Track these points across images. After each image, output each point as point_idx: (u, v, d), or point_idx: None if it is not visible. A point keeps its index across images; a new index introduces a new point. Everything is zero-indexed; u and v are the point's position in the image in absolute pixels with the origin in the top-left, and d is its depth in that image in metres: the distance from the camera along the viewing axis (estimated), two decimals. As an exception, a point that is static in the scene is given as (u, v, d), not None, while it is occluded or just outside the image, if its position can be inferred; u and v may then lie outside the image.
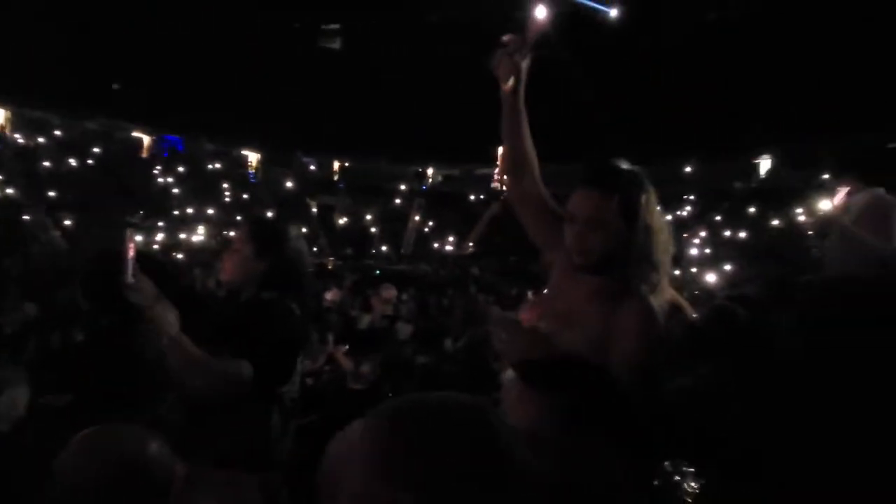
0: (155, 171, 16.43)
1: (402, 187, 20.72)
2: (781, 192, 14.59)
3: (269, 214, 16.12)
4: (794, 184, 13.68)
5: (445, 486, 0.50)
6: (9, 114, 14.99)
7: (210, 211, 14.55)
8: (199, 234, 14.96)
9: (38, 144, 14.65)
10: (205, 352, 1.52)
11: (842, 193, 2.68)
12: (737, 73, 13.48)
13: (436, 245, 18.18)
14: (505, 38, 1.47)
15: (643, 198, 1.41)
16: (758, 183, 16.62)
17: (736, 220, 14.91)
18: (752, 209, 15.33)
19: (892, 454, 1.03)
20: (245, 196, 17.94)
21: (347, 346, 4.10)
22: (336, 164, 21.25)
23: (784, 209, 13.98)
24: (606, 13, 14.73)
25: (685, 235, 15.44)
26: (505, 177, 1.62)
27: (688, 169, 17.63)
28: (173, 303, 1.85)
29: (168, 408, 1.65)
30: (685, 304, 1.97)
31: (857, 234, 2.06)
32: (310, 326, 1.82)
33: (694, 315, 1.92)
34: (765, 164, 17.24)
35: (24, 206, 12.64)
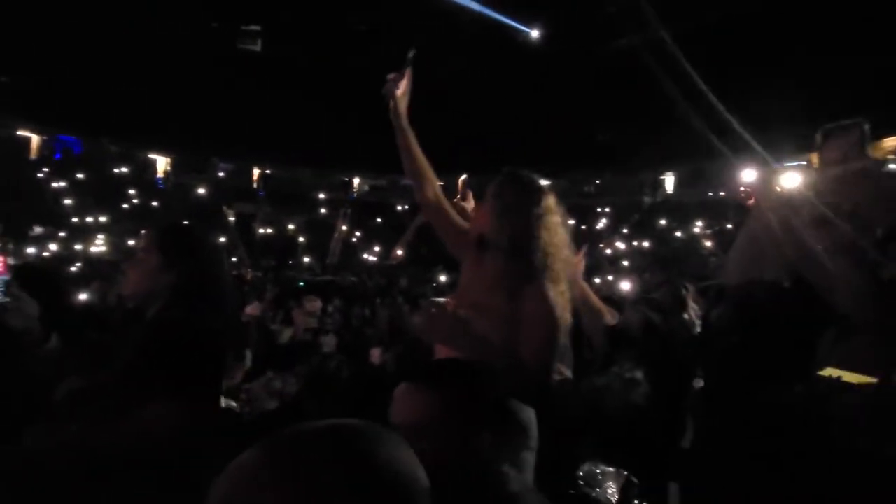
0: (44, 175, 14.81)
1: (328, 196, 20.24)
2: (683, 207, 16.00)
3: (183, 223, 15.04)
4: (694, 199, 15.08)
5: None
6: None
7: (107, 219, 13.32)
8: (99, 244, 13.62)
9: None
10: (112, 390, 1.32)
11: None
12: (647, 95, 14.62)
13: (363, 255, 17.90)
14: (389, 75, 1.68)
15: (536, 196, 1.58)
16: (663, 197, 18.09)
17: (645, 232, 16.13)
18: (660, 221, 16.66)
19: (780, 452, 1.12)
20: (154, 203, 16.66)
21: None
22: (256, 171, 20.34)
23: (685, 222, 15.32)
24: (528, 34, 15.48)
25: (601, 245, 16.46)
26: (413, 186, 1.78)
27: (598, 182, 18.87)
28: (68, 322, 1.65)
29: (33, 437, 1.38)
30: (591, 293, 2.11)
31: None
32: (230, 345, 1.59)
33: (612, 319, 2.02)
34: (669, 180, 18.83)
35: None
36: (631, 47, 13.33)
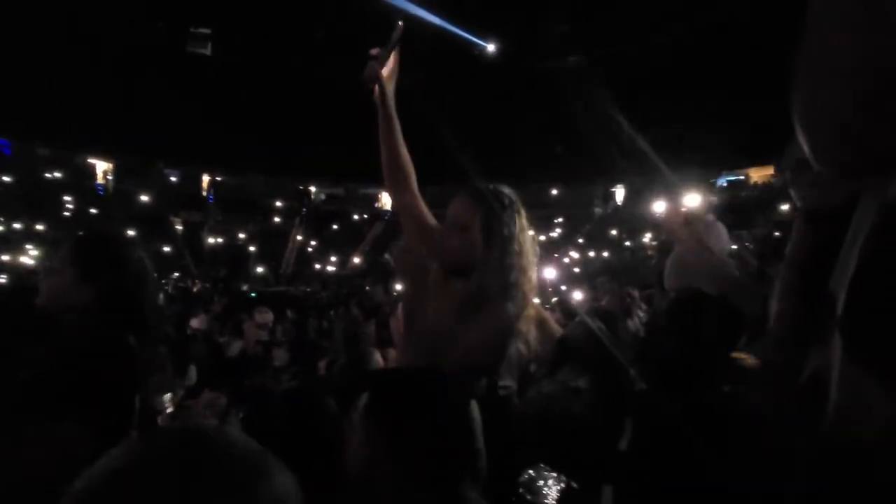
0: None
1: (281, 204, 19.74)
2: (633, 218, 16.62)
3: (130, 232, 14.29)
4: (642, 210, 15.68)
5: None
6: None
7: (43, 227, 12.45)
8: (30, 255, 12.66)
9: None
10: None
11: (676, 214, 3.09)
12: (599, 108, 15.18)
13: (317, 265, 17.54)
14: (372, 50, 1.52)
15: (506, 213, 1.48)
16: (614, 209, 18.76)
17: (598, 242, 16.65)
18: (612, 231, 17.25)
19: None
20: (92, 210, 15.71)
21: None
22: (206, 178, 19.57)
23: (635, 232, 15.93)
24: (484, 47, 15.78)
25: (556, 255, 16.84)
26: (388, 187, 1.62)
27: (554, 192, 19.36)
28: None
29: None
30: (549, 318, 2.12)
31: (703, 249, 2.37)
32: (150, 364, 1.45)
33: (558, 329, 2.05)
34: (620, 193, 19.57)
35: None
36: (581, 65, 13.83)
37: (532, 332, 1.61)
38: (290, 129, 15.84)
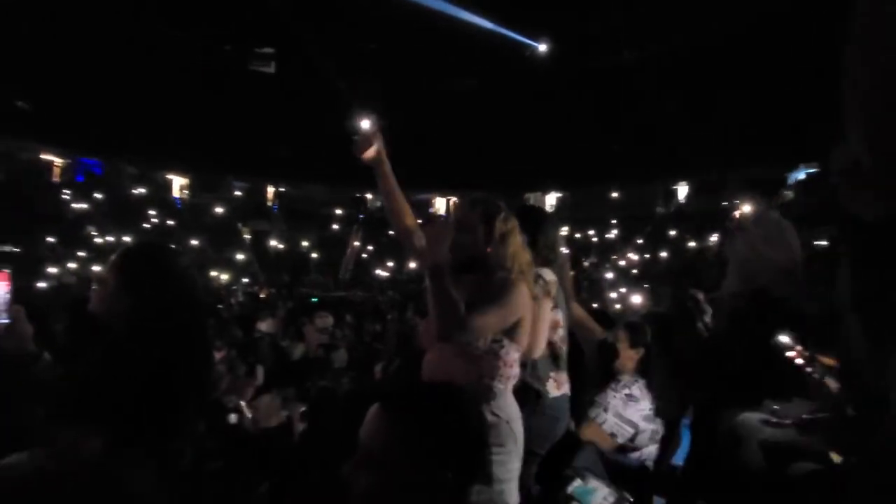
0: (67, 197, 15.24)
1: (340, 212, 20.45)
2: (696, 217, 15.82)
3: (195, 242, 15.33)
4: (707, 209, 14.90)
5: None
6: None
7: (129, 238, 13.60)
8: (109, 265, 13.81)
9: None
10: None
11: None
12: (657, 107, 14.60)
13: (375, 270, 17.98)
14: (354, 137, 1.83)
15: (501, 214, 1.72)
16: (676, 207, 17.93)
17: (658, 243, 15.97)
18: (672, 232, 16.48)
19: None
20: (171, 222, 16.99)
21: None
22: (270, 189, 20.67)
23: (699, 232, 15.14)
24: (535, 48, 15.62)
25: (613, 257, 16.31)
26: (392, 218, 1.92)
27: (614, 194, 18.78)
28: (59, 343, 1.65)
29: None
30: (588, 319, 2.12)
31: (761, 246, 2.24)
32: (201, 374, 1.41)
33: (600, 330, 2.02)
34: (682, 190, 18.68)
35: None
36: (635, 61, 13.35)
37: (559, 324, 1.76)
38: (346, 139, 16.36)
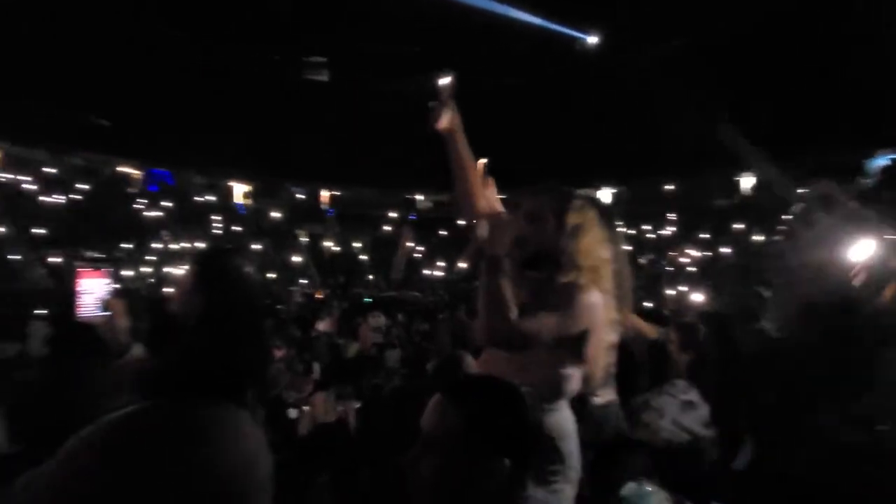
0: (142, 206, 16.44)
1: (392, 214, 20.84)
2: (764, 209, 14.89)
3: (258, 246, 16.13)
4: (776, 200, 13.98)
5: None
6: (-2, 152, 15.04)
7: (199, 244, 14.50)
8: (185, 268, 14.79)
9: (25, 182, 14.64)
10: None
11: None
12: (714, 94, 13.88)
13: (426, 271, 18.19)
14: (430, 104, 1.69)
15: (575, 205, 1.53)
16: (740, 200, 16.94)
17: (720, 237, 15.16)
18: (736, 226, 15.58)
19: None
20: (234, 228, 17.96)
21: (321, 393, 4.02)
22: (324, 193, 21.39)
23: (766, 225, 14.25)
24: (584, 40, 15.24)
25: (671, 253, 15.63)
26: (462, 199, 1.76)
27: (669, 187, 17.96)
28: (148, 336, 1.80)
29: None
30: (644, 325, 2.01)
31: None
32: (258, 371, 1.50)
33: (653, 334, 1.95)
34: (746, 181, 17.62)
35: (9, 245, 12.54)
36: (688, 47, 12.72)
37: (613, 321, 1.58)
38: (396, 141, 16.70)
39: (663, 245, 16.03)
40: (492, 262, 1.40)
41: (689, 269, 13.36)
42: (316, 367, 5.44)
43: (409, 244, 19.69)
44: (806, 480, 1.18)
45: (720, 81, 12.91)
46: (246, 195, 19.94)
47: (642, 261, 15.07)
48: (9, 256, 12.37)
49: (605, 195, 19.77)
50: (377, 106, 16.34)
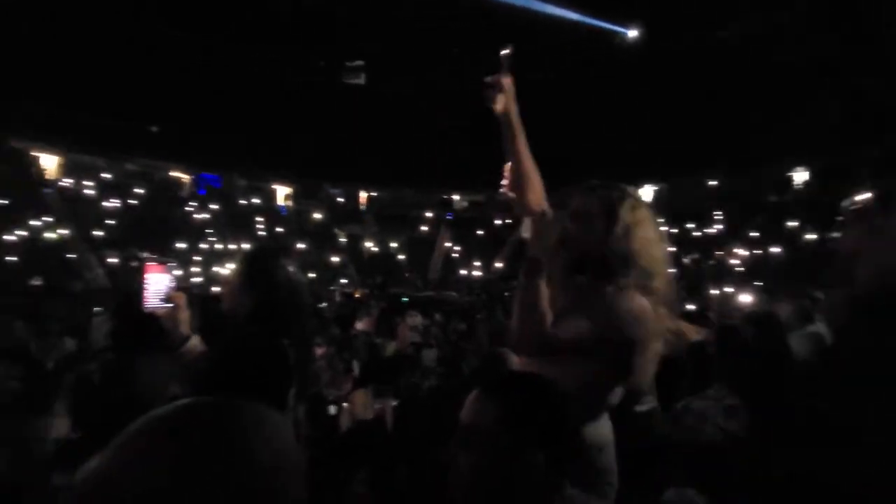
0: (192, 208, 17.20)
1: (428, 214, 20.99)
2: (819, 206, 14.10)
3: (301, 246, 16.58)
4: (829, 195, 13.21)
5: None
6: (60, 159, 16.10)
7: (244, 244, 15.03)
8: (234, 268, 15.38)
9: (85, 187, 15.59)
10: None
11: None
12: (764, 84, 13.25)
13: (463, 271, 18.19)
14: (486, 78, 1.59)
15: (626, 202, 1.43)
16: (793, 196, 16.09)
17: (771, 236, 14.43)
18: (789, 223, 14.79)
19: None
20: (277, 229, 18.54)
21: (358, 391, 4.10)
22: (363, 195, 21.78)
23: (822, 223, 13.48)
24: (624, 34, 14.88)
25: (719, 253, 15.01)
26: (511, 193, 1.63)
27: (713, 182, 17.23)
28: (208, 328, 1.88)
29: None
30: (683, 326, 1.89)
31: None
32: (301, 367, 1.53)
33: (696, 335, 1.85)
34: (800, 177, 16.72)
35: (70, 246, 13.38)
36: (732, 37, 12.20)
37: (667, 330, 1.45)
38: (432, 142, 16.81)
39: (708, 244, 15.43)
40: (532, 265, 1.33)
41: (736, 268, 12.79)
42: (355, 365, 5.52)
43: (446, 244, 19.76)
44: (859, 494, 1.10)
45: (770, 71, 12.31)
46: (287, 197, 20.55)
47: (685, 260, 14.55)
48: (71, 256, 13.19)
49: (646, 193, 19.27)
50: (413, 107, 16.49)
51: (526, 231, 1.40)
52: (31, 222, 12.87)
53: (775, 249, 13.43)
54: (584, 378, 1.31)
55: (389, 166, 18.18)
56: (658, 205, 17.14)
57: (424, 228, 20.49)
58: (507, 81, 1.57)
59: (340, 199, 21.05)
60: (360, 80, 16.48)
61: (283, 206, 20.25)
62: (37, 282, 11.50)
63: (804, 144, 13.88)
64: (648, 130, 15.17)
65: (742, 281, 9.28)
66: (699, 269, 14.23)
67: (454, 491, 0.97)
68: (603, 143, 15.32)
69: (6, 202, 13.12)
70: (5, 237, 12.01)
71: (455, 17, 13.67)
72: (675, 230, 15.68)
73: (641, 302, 1.35)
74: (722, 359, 1.82)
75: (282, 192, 20.55)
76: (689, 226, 16.05)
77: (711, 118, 13.84)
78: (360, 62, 16.27)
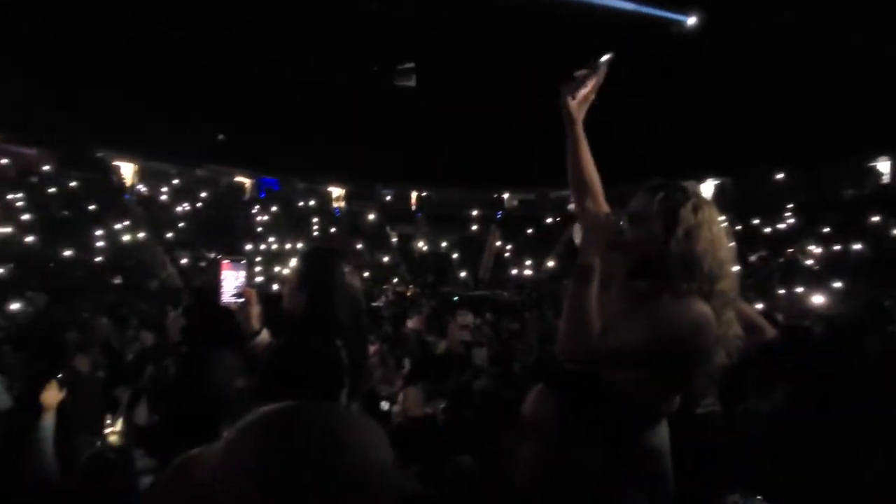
0: (255, 211, 18.12)
1: (479, 213, 21.01)
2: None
3: (359, 246, 17.08)
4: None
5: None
6: (137, 167, 17.44)
7: (300, 245, 15.67)
8: (292, 268, 16.07)
9: (159, 193, 16.79)
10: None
11: None
12: (837, 68, 12.26)
13: (513, 270, 18.06)
14: (576, 73, 1.56)
15: (688, 203, 1.36)
16: (875, 189, 14.81)
17: (850, 232, 13.32)
18: (871, 218, 13.61)
19: None
20: (332, 229, 19.18)
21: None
22: (414, 195, 22.11)
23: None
24: (683, 22, 14.19)
25: (789, 250, 14.04)
26: (572, 193, 1.62)
27: (780, 176, 16.11)
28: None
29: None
30: (761, 321, 1.77)
31: None
32: (354, 365, 1.53)
33: (770, 334, 1.74)
34: (884, 166, 15.36)
35: (146, 248, 14.45)
36: (799, 18, 11.36)
37: (735, 337, 1.36)
38: (483, 142, 16.81)
39: (777, 241, 14.47)
40: (582, 272, 1.28)
41: (811, 267, 11.91)
42: (407, 362, 5.63)
43: (497, 243, 19.68)
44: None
45: (843, 54, 11.39)
46: (341, 198, 21.20)
47: (752, 258, 13.72)
48: (146, 258, 14.26)
49: (708, 187, 18.33)
50: (463, 106, 16.55)
51: (577, 236, 1.37)
52: (114, 226, 14.00)
53: (856, 246, 12.37)
54: (637, 386, 1.24)
55: (440, 166, 18.38)
56: (720, 200, 16.27)
57: (475, 228, 20.52)
58: (591, 84, 1.56)
59: (388, 198, 21.49)
60: (411, 82, 16.71)
61: (337, 208, 20.90)
62: (117, 281, 12.51)
63: (887, 132, 12.74)
64: (710, 121, 14.43)
65: (816, 280, 8.61)
66: (767, 267, 13.38)
67: (515, 480, 0.99)
68: (662, 137, 14.74)
69: (93, 207, 14.35)
70: (94, 241, 13.11)
71: (503, 12, 13.58)
72: (740, 226, 14.82)
73: (703, 309, 1.28)
74: (788, 360, 1.72)
75: (336, 194, 21.24)
76: (755, 222, 15.11)
77: (778, 106, 12.97)
78: (410, 64, 16.51)
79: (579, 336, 1.25)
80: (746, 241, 13.49)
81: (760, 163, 15.40)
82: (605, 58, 1.57)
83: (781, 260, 13.72)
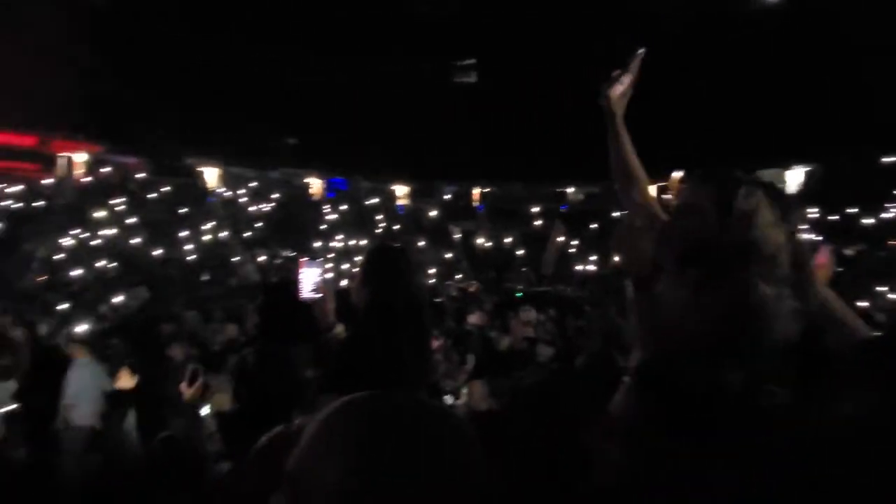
0: (324, 210, 18.96)
1: (541, 208, 20.68)
2: None
3: (419, 242, 17.41)
4: None
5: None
6: (219, 172, 18.80)
7: (365, 242, 16.19)
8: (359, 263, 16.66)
9: (239, 195, 17.99)
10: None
11: None
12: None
13: (578, 266, 17.62)
14: (614, 72, 1.60)
15: (743, 189, 1.32)
16: None
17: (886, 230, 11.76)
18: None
19: None
20: (396, 227, 19.65)
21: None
22: (476, 191, 22.12)
23: None
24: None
25: (891, 242, 12.65)
26: (617, 187, 1.65)
27: (888, 159, 14.47)
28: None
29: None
30: (852, 316, 1.63)
31: None
32: (417, 360, 1.53)
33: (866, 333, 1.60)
34: None
35: (227, 246, 15.55)
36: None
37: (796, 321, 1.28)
38: (544, 135, 16.52)
39: (879, 232, 13.06)
40: (637, 283, 1.30)
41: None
42: (470, 358, 5.70)
43: (560, 238, 19.28)
44: None
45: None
46: (405, 196, 21.65)
47: (848, 252, 12.47)
48: (229, 257, 15.35)
49: (797, 175, 16.84)
50: (524, 100, 16.34)
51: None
52: (201, 227, 15.20)
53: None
54: (722, 381, 1.16)
55: (502, 161, 18.32)
56: (809, 189, 14.95)
57: (538, 223, 20.22)
58: (627, 81, 1.59)
59: (447, 196, 21.63)
60: (472, 78, 16.75)
61: (401, 206, 21.37)
62: (204, 277, 13.59)
63: None
64: (796, 103, 13.30)
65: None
66: (866, 262, 12.14)
67: (601, 478, 1.00)
68: (743, 121, 13.77)
69: (185, 210, 15.68)
70: (183, 242, 14.32)
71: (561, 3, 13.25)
72: (836, 217, 13.52)
73: (764, 292, 1.25)
74: (891, 361, 1.58)
75: (400, 192, 21.72)
76: (851, 211, 13.71)
77: (874, 84, 11.69)
78: (471, 60, 16.54)
79: (654, 334, 1.25)
80: (840, 232, 12.31)
81: (855, 147, 13.97)
82: (638, 53, 1.61)
83: (883, 253, 12.41)
